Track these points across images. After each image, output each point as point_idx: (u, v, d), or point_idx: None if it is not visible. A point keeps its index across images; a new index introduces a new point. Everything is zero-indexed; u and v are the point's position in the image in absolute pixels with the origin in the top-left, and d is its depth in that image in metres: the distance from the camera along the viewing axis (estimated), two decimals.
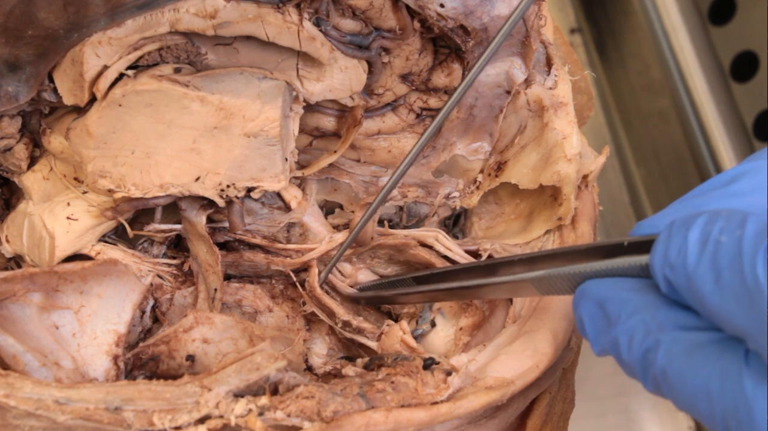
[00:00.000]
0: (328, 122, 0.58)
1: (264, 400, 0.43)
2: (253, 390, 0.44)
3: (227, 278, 0.59)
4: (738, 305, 0.32)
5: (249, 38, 0.50)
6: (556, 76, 0.57)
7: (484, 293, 0.48)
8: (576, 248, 0.42)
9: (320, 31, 0.50)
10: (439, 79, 0.56)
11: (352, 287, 0.58)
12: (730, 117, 0.82)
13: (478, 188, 0.60)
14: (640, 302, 0.37)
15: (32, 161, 0.55)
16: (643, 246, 0.38)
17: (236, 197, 0.53)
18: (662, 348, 0.35)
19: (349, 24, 0.51)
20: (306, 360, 0.57)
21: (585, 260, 0.41)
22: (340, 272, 0.58)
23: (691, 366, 0.34)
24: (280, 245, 0.57)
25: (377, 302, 0.57)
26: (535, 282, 0.43)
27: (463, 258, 0.57)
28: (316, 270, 0.56)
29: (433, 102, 0.57)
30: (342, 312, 0.55)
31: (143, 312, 0.55)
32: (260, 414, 0.42)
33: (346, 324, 0.55)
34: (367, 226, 0.57)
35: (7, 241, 0.54)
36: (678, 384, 0.35)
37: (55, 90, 0.50)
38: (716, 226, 0.34)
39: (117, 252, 0.54)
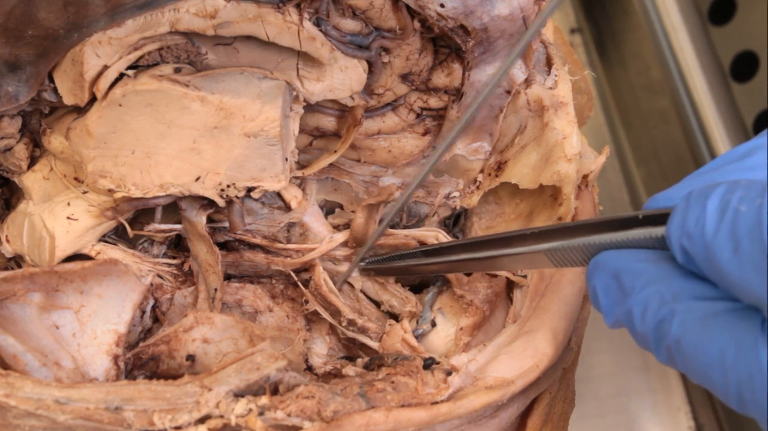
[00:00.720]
0: (328, 122, 0.58)
1: (264, 400, 0.43)
2: (253, 390, 0.44)
3: (227, 278, 0.59)
4: (757, 273, 0.32)
5: (249, 38, 0.50)
6: (556, 76, 0.57)
7: (497, 265, 0.48)
8: (590, 222, 0.42)
9: (320, 31, 0.50)
10: (440, 79, 0.56)
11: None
12: (730, 117, 0.82)
13: (478, 187, 0.60)
14: (656, 273, 0.37)
15: (32, 161, 0.55)
16: (658, 219, 0.38)
17: (236, 196, 0.53)
18: (677, 318, 0.35)
19: (349, 24, 0.51)
20: (306, 360, 0.57)
21: (599, 233, 0.41)
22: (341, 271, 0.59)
23: (706, 336, 0.34)
24: (280, 245, 0.57)
25: (389, 273, 0.56)
26: (549, 254, 0.43)
27: None
28: (321, 269, 0.56)
29: (433, 102, 0.57)
30: (347, 311, 0.55)
31: (143, 312, 0.55)
32: (260, 413, 0.42)
33: (351, 323, 0.55)
34: (367, 226, 0.57)
35: (7, 241, 0.54)
36: (692, 354, 0.35)
37: (55, 90, 0.50)
38: (735, 195, 0.33)
39: (117, 252, 0.54)
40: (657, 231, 0.38)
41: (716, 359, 0.34)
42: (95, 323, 0.50)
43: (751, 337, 0.33)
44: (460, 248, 0.50)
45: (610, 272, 0.39)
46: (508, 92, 0.56)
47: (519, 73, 0.55)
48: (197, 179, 0.52)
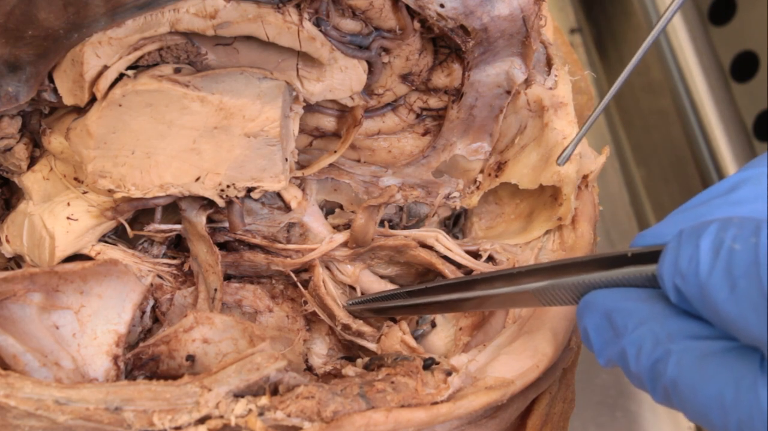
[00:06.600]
0: (328, 122, 0.58)
1: (264, 400, 0.43)
2: (253, 391, 0.44)
3: (227, 278, 0.59)
4: (755, 313, 0.31)
5: (249, 38, 0.50)
6: (556, 76, 0.57)
7: (484, 305, 0.47)
8: (578, 260, 0.41)
9: (320, 31, 0.50)
10: (439, 79, 0.56)
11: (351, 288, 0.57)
12: (730, 117, 0.82)
13: (478, 188, 0.60)
14: (649, 312, 0.36)
15: (32, 161, 0.55)
16: (648, 257, 0.37)
17: (236, 197, 0.53)
18: (673, 358, 0.35)
19: (349, 24, 0.51)
20: (306, 360, 0.57)
21: (588, 271, 0.40)
22: (341, 272, 0.58)
23: (704, 376, 0.34)
24: (280, 246, 0.57)
25: (374, 313, 0.56)
26: (538, 293, 0.42)
27: (463, 259, 0.57)
28: (320, 269, 0.56)
29: (433, 102, 0.57)
30: (342, 315, 0.55)
31: (143, 312, 0.55)
32: (260, 414, 0.42)
33: (346, 327, 0.55)
34: (368, 227, 0.57)
35: (7, 241, 0.54)
36: (689, 394, 0.34)
37: (55, 90, 0.50)
38: (729, 233, 0.33)
39: (117, 252, 0.54)
40: (647, 269, 0.37)
41: (715, 399, 0.33)
42: (95, 323, 0.50)
43: (750, 377, 0.32)
44: (445, 288, 0.49)
45: (602, 311, 0.38)
46: (508, 92, 0.56)
47: (519, 73, 0.55)
48: (197, 179, 0.52)
